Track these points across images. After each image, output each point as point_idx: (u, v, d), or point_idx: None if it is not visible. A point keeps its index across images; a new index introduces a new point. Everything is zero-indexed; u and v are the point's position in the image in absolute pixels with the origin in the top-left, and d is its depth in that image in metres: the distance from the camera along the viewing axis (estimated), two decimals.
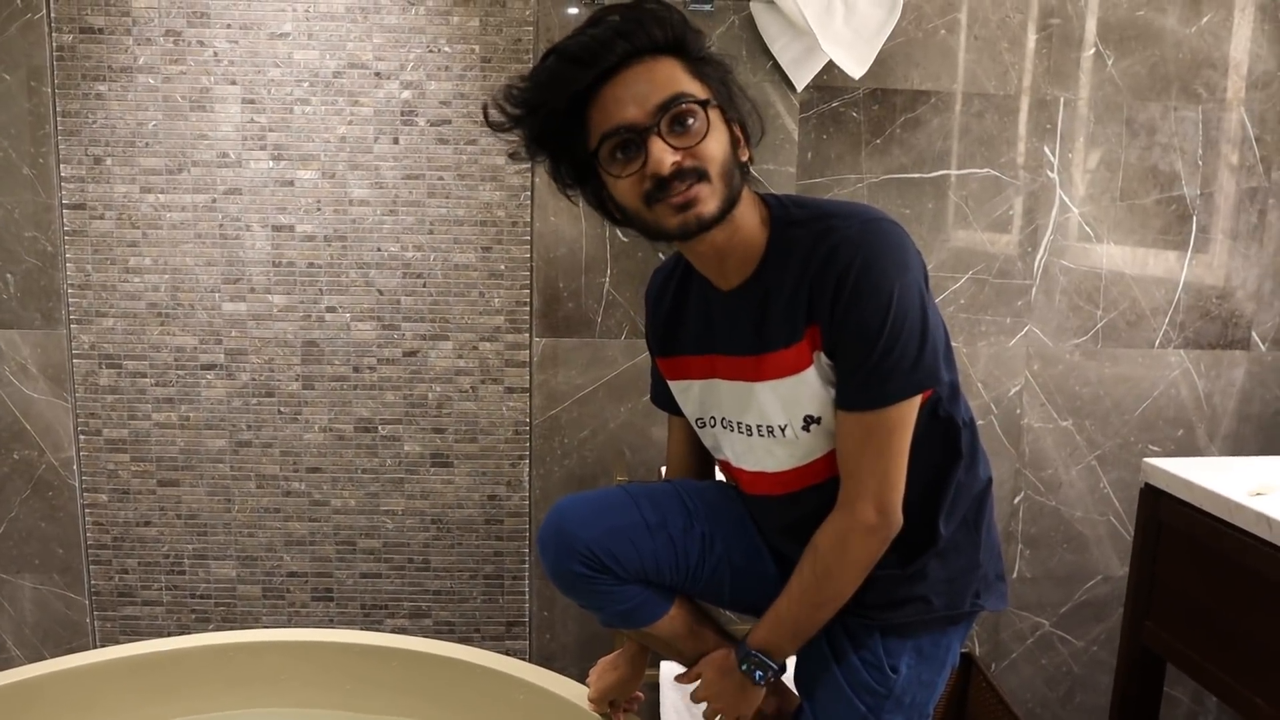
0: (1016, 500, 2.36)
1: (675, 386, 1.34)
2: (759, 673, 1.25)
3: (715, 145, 1.12)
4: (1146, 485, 2.05)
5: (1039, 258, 2.27)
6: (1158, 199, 2.27)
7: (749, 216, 1.19)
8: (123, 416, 2.21)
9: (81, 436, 2.22)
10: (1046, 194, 2.24)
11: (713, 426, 1.31)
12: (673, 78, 1.12)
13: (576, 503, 1.31)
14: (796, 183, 2.19)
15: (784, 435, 1.22)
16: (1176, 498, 1.95)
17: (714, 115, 1.13)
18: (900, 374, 1.12)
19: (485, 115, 1.16)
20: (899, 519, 1.18)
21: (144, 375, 2.20)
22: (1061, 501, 2.38)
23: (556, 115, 1.13)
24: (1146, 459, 2.03)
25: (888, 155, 2.20)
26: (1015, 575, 2.39)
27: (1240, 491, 1.83)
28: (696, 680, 1.35)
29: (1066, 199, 2.25)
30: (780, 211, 1.20)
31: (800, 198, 1.23)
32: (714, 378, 1.27)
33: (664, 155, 1.09)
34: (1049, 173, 2.23)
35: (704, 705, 1.33)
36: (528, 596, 2.33)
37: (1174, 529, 1.98)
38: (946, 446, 1.23)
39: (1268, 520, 1.70)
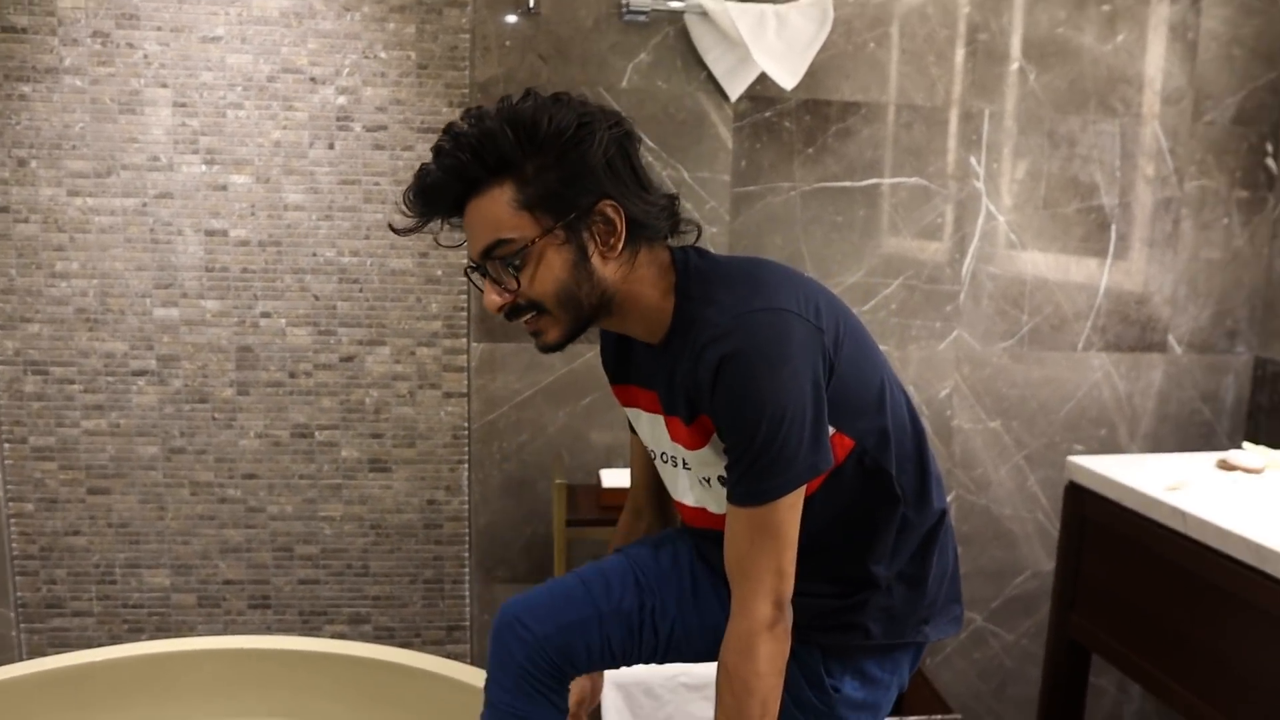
0: (949, 499, 2.42)
1: (628, 413, 1.34)
2: None
3: (544, 280, 1.11)
4: (1071, 482, 2.12)
5: (967, 264, 2.34)
6: (1079, 208, 2.35)
7: (647, 293, 1.17)
8: (49, 424, 2.17)
9: (6, 445, 2.17)
10: (973, 202, 2.31)
11: (660, 461, 1.31)
12: (493, 219, 1.10)
13: (531, 599, 1.31)
14: (731, 190, 2.23)
15: (709, 486, 1.24)
16: (1099, 494, 2.03)
17: (543, 247, 1.10)
18: (781, 469, 1.09)
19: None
20: (789, 607, 1.16)
21: (72, 382, 2.16)
22: (991, 500, 2.45)
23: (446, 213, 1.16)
24: (1070, 457, 2.11)
25: (820, 164, 2.25)
26: None
27: (1157, 487, 1.90)
28: None
29: (993, 208, 2.32)
30: (684, 283, 1.17)
31: (705, 265, 1.19)
32: (654, 413, 1.27)
33: (493, 298, 1.14)
34: (975, 182, 2.30)
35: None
36: (468, 600, 2.33)
37: (1097, 524, 2.06)
38: (881, 493, 1.21)
39: (1182, 514, 1.78)
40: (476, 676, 1.67)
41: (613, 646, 1.31)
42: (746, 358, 1.07)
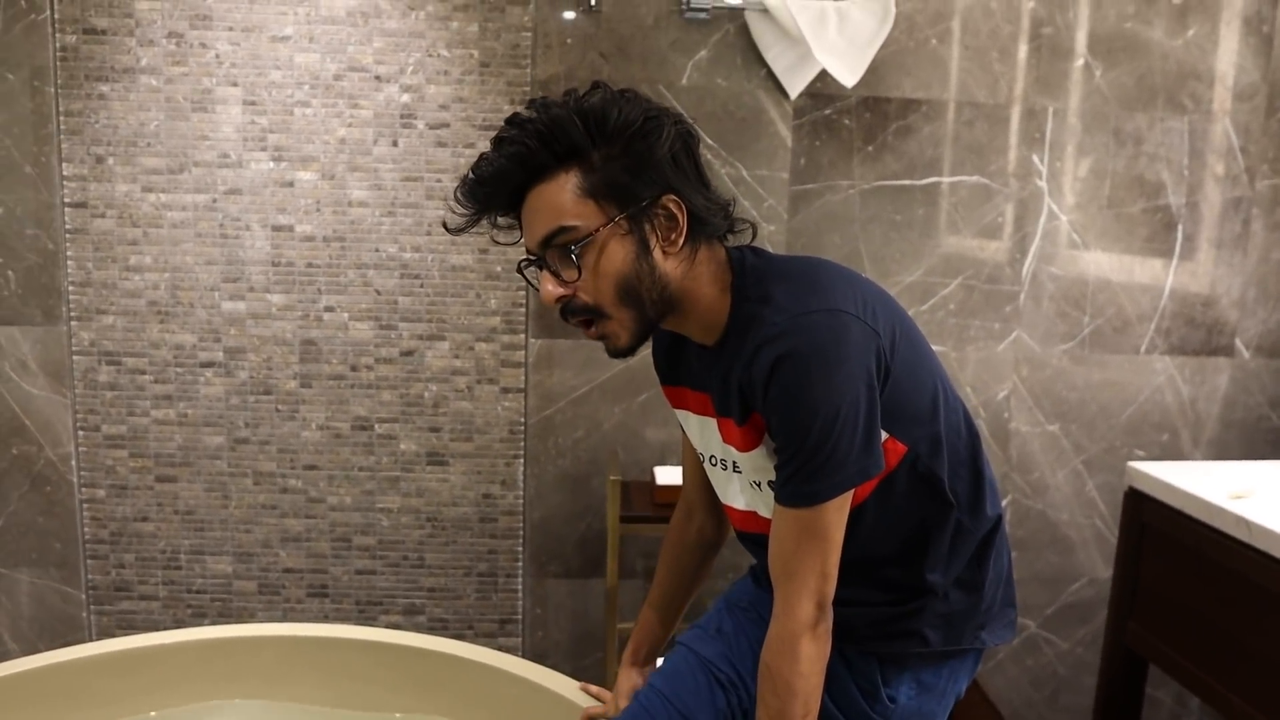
0: (1004, 503, 2.39)
1: (678, 415, 1.35)
2: None
3: (606, 271, 1.10)
4: (1130, 489, 2.08)
5: (1027, 264, 2.30)
6: (1144, 207, 2.31)
7: (705, 292, 1.17)
8: (121, 413, 2.24)
9: (80, 432, 2.24)
10: (1035, 201, 2.28)
11: (710, 464, 1.32)
12: (557, 205, 1.09)
13: None
14: (789, 188, 2.22)
15: (760, 490, 1.23)
16: (1159, 501, 1.99)
17: (606, 236, 1.10)
18: (831, 472, 1.09)
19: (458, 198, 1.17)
20: (830, 608, 1.16)
21: (143, 372, 2.23)
22: (1048, 505, 2.41)
23: (500, 211, 1.15)
24: (1131, 463, 2.07)
25: (879, 162, 2.23)
26: None
27: (1221, 495, 1.86)
28: None
29: (1055, 207, 2.29)
30: (740, 282, 1.17)
31: (762, 264, 1.19)
32: (705, 416, 1.27)
33: (550, 289, 1.13)
34: (1038, 181, 2.27)
35: None
36: (521, 594, 2.36)
37: (1157, 531, 2.02)
38: (935, 499, 1.21)
39: (1247, 523, 1.74)
40: (528, 669, 1.69)
41: None
42: (802, 358, 1.07)
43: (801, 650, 1.12)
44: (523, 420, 2.28)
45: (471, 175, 1.12)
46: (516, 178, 1.11)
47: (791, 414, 1.08)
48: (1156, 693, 2.47)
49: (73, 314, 2.19)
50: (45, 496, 2.25)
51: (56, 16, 2.08)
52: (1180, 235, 2.33)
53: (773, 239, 2.24)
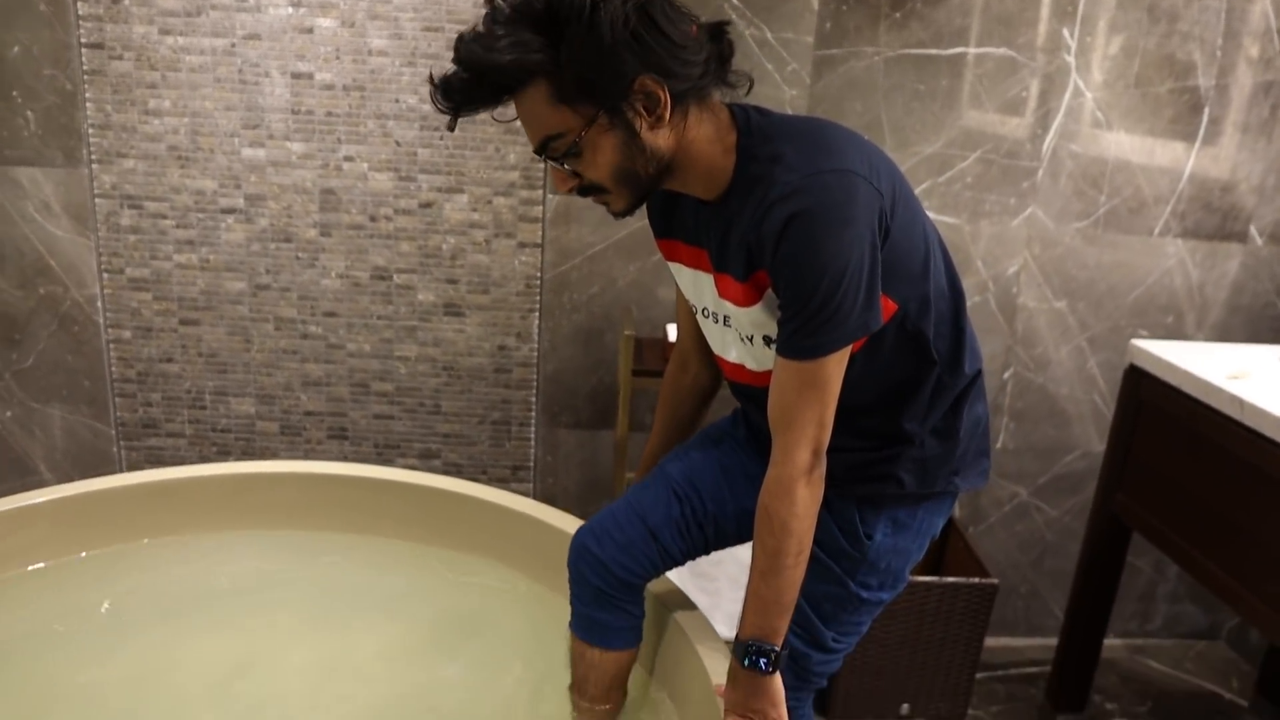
0: (1006, 375, 2.45)
1: (671, 267, 1.39)
2: (761, 660, 1.25)
3: (600, 165, 1.15)
4: (1131, 365, 2.14)
5: (1048, 141, 2.29)
6: (1172, 88, 2.28)
7: (708, 150, 1.19)
8: (144, 256, 2.28)
9: (105, 275, 2.29)
10: (1061, 77, 2.25)
11: (702, 315, 1.37)
12: (536, 117, 1.12)
13: (594, 526, 1.43)
14: (814, 53, 2.19)
15: (752, 344, 1.29)
16: (1158, 378, 2.04)
17: (592, 135, 1.12)
18: (835, 326, 1.13)
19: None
20: (824, 456, 1.22)
21: (165, 217, 2.25)
22: (1049, 379, 2.47)
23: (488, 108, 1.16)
24: (1134, 340, 2.11)
25: (906, 30, 2.20)
26: (999, 446, 2.50)
27: (1219, 375, 1.91)
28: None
29: (1081, 83, 2.26)
30: (746, 142, 1.19)
31: (767, 123, 1.20)
32: (699, 270, 1.31)
33: (559, 181, 1.19)
34: (1066, 56, 2.24)
35: None
36: (533, 443, 2.45)
37: (1153, 407, 2.08)
38: (919, 355, 1.27)
39: (1240, 401, 1.80)
40: (538, 510, 1.77)
41: (670, 552, 1.42)
42: (814, 216, 1.11)
43: (798, 493, 1.19)
44: (539, 275, 2.32)
45: (441, 93, 1.12)
46: (485, 98, 1.12)
47: (800, 271, 1.12)
48: (1137, 561, 2.59)
49: (93, 156, 2.20)
50: (73, 336, 2.31)
51: None
52: (1206, 118, 2.30)
53: (794, 104, 2.22)
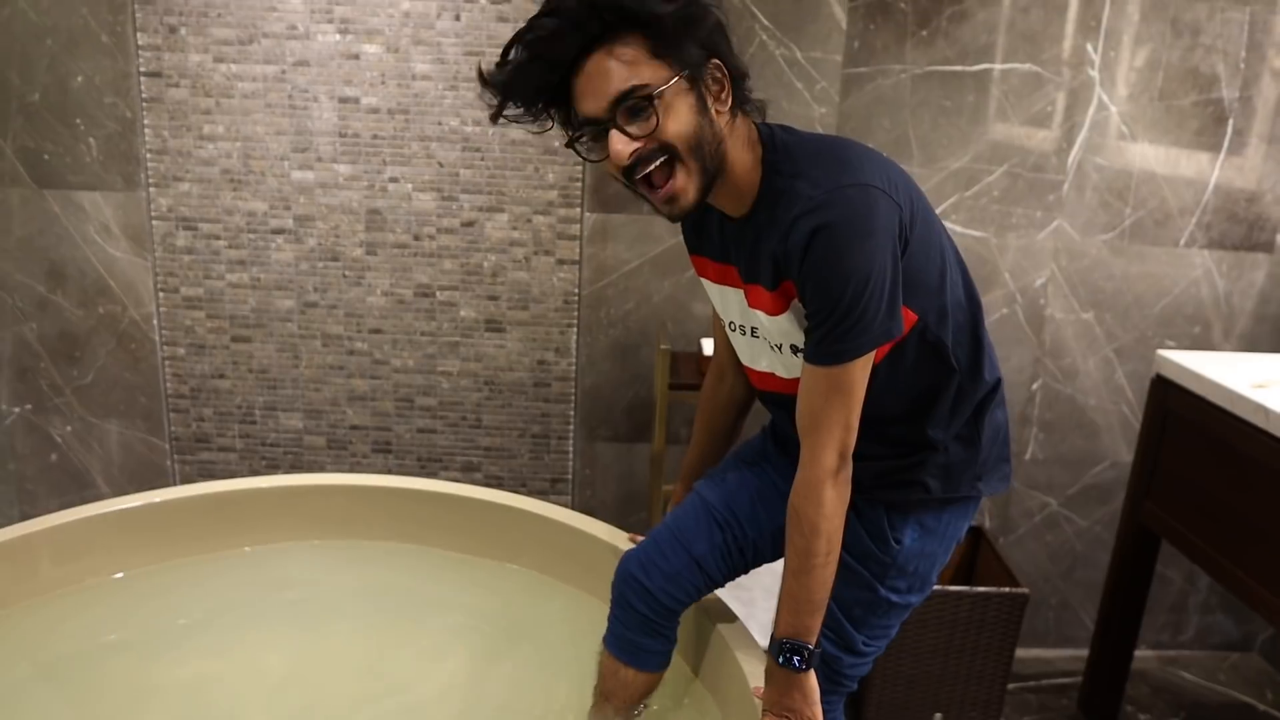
0: (1034, 386, 2.49)
1: (703, 282, 1.46)
2: (795, 658, 1.29)
3: (677, 124, 1.17)
4: (1158, 375, 2.17)
5: (1074, 154, 2.34)
6: (1196, 100, 2.32)
7: (741, 159, 1.25)
8: (198, 276, 2.37)
9: (161, 294, 2.38)
10: (1086, 91, 2.30)
11: (730, 329, 1.43)
12: (630, 66, 1.14)
13: (641, 554, 1.48)
14: (842, 71, 2.25)
15: (780, 353, 1.35)
16: (1184, 388, 2.08)
17: (674, 93, 1.16)
18: (859, 332, 1.18)
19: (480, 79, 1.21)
20: (851, 458, 1.27)
21: (218, 238, 2.35)
22: (1077, 390, 2.50)
23: (540, 95, 1.20)
24: (1160, 350, 2.15)
25: (932, 47, 2.25)
26: (1028, 457, 2.54)
27: (1244, 384, 1.94)
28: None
29: (1105, 97, 2.30)
30: (771, 157, 1.25)
31: (792, 140, 1.26)
32: (726, 285, 1.38)
33: (621, 148, 1.17)
34: (1090, 70, 2.28)
35: None
36: (571, 456, 2.51)
37: (1180, 417, 2.11)
38: (940, 364, 1.32)
39: (1265, 410, 1.83)
40: (577, 520, 1.82)
41: (713, 578, 1.48)
42: (837, 229, 1.17)
43: (825, 495, 1.25)
44: (577, 291, 2.39)
45: (525, 37, 1.15)
46: (568, 49, 1.15)
47: (826, 280, 1.18)
48: (1168, 571, 2.60)
49: (151, 180, 2.30)
50: (130, 353, 2.41)
51: None
52: (1230, 129, 2.34)
53: (823, 121, 2.28)
